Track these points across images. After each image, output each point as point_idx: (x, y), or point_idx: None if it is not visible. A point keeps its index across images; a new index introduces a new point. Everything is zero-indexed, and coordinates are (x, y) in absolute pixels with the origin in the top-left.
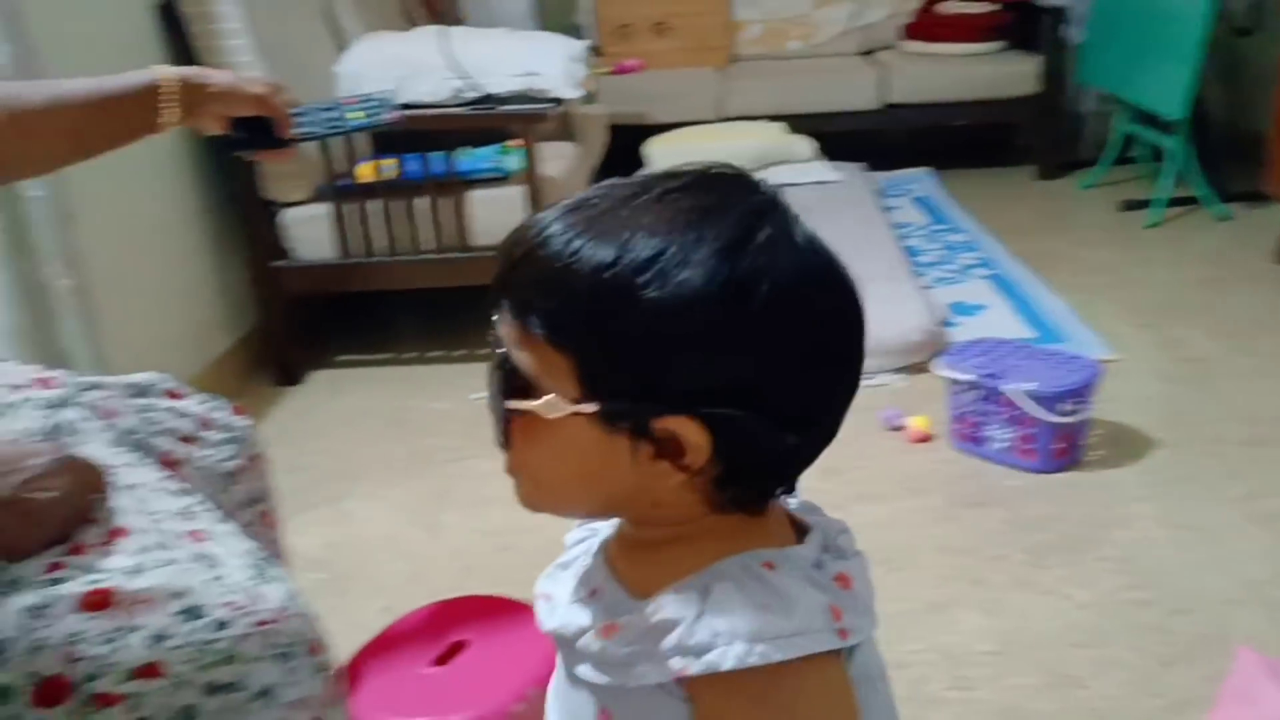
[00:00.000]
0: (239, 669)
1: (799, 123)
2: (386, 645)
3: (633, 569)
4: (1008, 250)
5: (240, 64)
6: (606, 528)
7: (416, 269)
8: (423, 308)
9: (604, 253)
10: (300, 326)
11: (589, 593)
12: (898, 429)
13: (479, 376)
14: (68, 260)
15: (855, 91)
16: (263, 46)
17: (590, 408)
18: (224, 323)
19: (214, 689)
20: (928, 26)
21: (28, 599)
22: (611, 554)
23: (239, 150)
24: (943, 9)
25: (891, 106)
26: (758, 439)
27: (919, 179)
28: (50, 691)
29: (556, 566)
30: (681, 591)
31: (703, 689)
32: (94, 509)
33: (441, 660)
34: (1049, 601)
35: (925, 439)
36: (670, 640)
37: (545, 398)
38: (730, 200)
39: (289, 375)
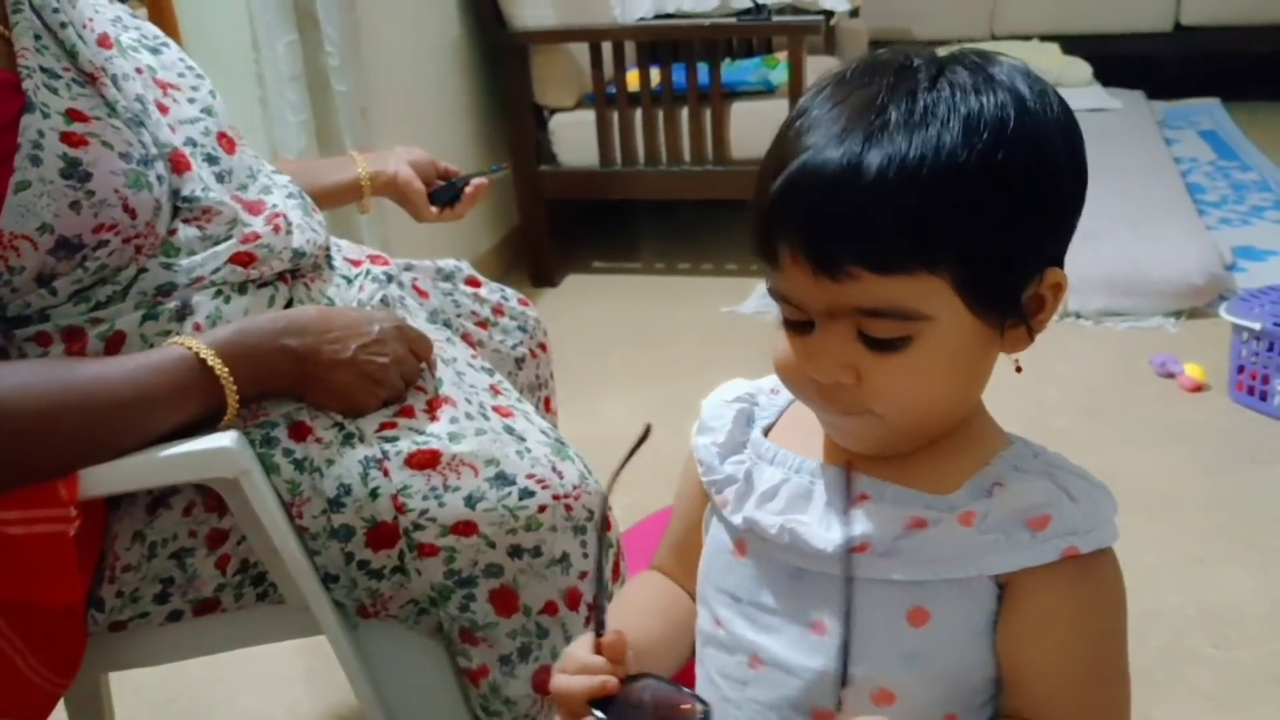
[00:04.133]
0: (539, 536)
1: (1074, 44)
2: (639, 540)
3: (908, 471)
4: None
5: None
6: (773, 453)
7: (673, 180)
8: (675, 219)
9: (949, 146)
10: (558, 231)
11: (854, 500)
12: (1169, 376)
13: (725, 290)
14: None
15: (1144, 11)
16: None
17: (984, 309)
18: (488, 222)
19: (517, 552)
20: None
21: (366, 451)
22: (852, 464)
23: (444, 201)
24: None
25: (1182, 28)
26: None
27: (1206, 110)
28: (382, 536)
29: (760, 498)
30: (1024, 478)
31: (1050, 572)
32: (421, 375)
33: None
34: None
35: (1199, 388)
36: (1056, 522)
37: (930, 319)
38: (987, 69)
39: (545, 277)
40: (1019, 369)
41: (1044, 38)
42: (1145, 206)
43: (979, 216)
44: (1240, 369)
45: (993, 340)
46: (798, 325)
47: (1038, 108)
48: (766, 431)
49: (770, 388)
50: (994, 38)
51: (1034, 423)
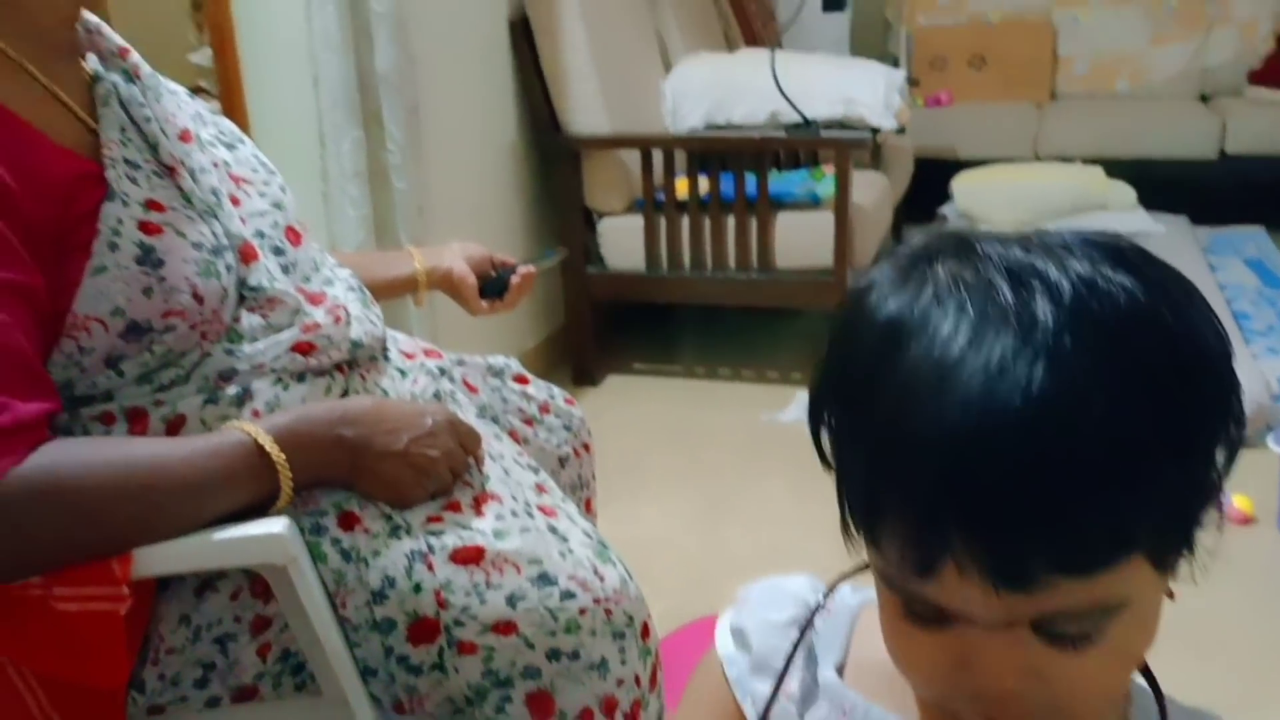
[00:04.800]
0: (579, 639)
1: (1118, 167)
2: (676, 650)
3: None
4: None
5: (579, 75)
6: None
7: (718, 286)
8: (718, 324)
9: (1128, 353)
10: (602, 331)
11: None
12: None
13: (766, 397)
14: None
15: (1189, 138)
16: (598, 62)
17: (1172, 564)
18: (535, 320)
19: (556, 654)
20: (1278, 72)
21: (412, 544)
22: None
23: (494, 294)
24: None
25: (1226, 156)
26: None
27: (1251, 237)
28: (423, 630)
29: None
30: None
31: None
32: (469, 470)
33: None
34: None
35: (1247, 520)
36: None
37: (1127, 604)
38: (1143, 267)
39: (588, 376)
40: (1172, 596)
41: (1087, 160)
42: None
43: (1181, 447)
44: None
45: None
46: (934, 619)
47: (1163, 275)
48: (839, 669)
49: (819, 602)
50: (1038, 158)
51: None
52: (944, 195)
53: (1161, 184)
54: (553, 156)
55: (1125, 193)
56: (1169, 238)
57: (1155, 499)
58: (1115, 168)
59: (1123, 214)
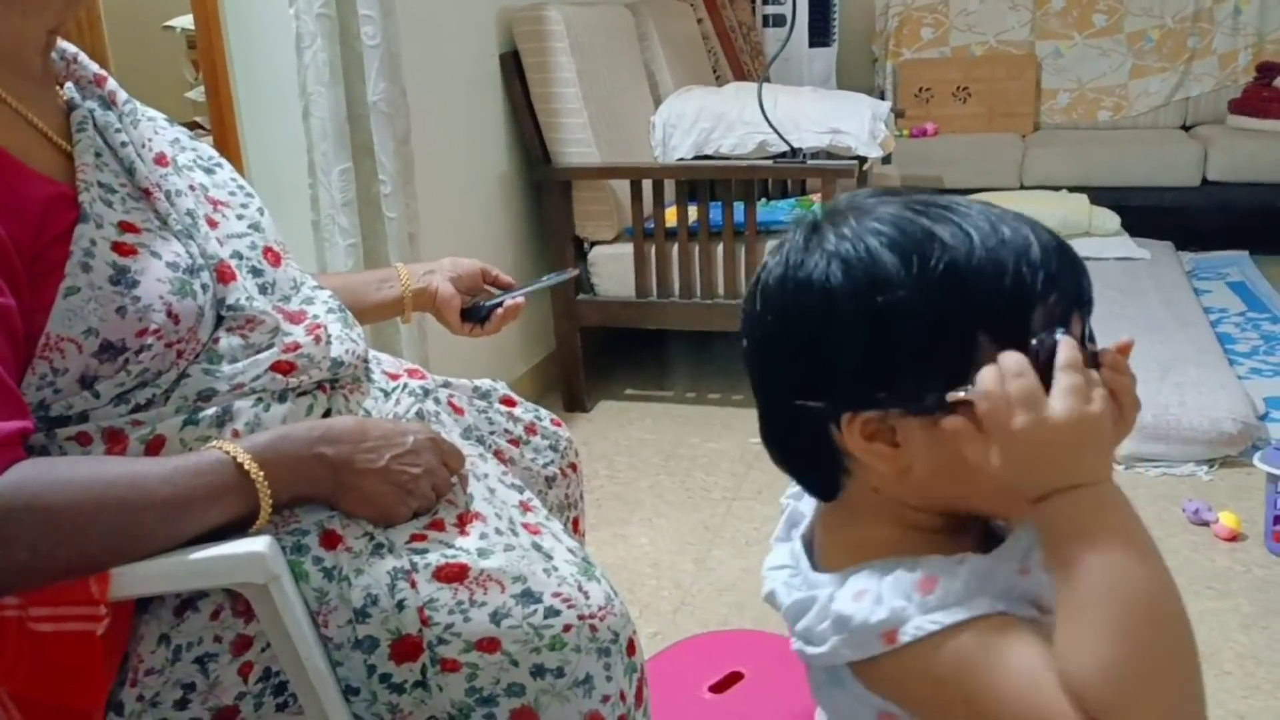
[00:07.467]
0: (563, 656)
1: (1102, 195)
2: (664, 669)
3: None
4: None
5: (569, 108)
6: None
7: (707, 312)
8: (708, 349)
9: None
10: (593, 358)
11: None
12: (1203, 524)
13: (755, 420)
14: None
15: (1171, 166)
16: (588, 95)
17: None
18: (526, 347)
19: (540, 671)
20: (1257, 102)
21: (395, 562)
22: None
23: (475, 319)
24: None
25: (1209, 183)
26: None
27: (1234, 262)
28: (406, 649)
29: None
30: None
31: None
32: (452, 489)
33: (718, 688)
34: None
35: (1234, 537)
36: None
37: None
38: None
39: (578, 402)
40: None
41: (1072, 189)
42: (1175, 354)
43: None
44: (1276, 519)
45: None
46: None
47: None
48: None
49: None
50: (1023, 187)
51: None
52: None
53: (1145, 212)
54: (543, 186)
55: (1109, 219)
56: (1154, 262)
57: None
58: (1099, 196)
59: (1107, 239)
